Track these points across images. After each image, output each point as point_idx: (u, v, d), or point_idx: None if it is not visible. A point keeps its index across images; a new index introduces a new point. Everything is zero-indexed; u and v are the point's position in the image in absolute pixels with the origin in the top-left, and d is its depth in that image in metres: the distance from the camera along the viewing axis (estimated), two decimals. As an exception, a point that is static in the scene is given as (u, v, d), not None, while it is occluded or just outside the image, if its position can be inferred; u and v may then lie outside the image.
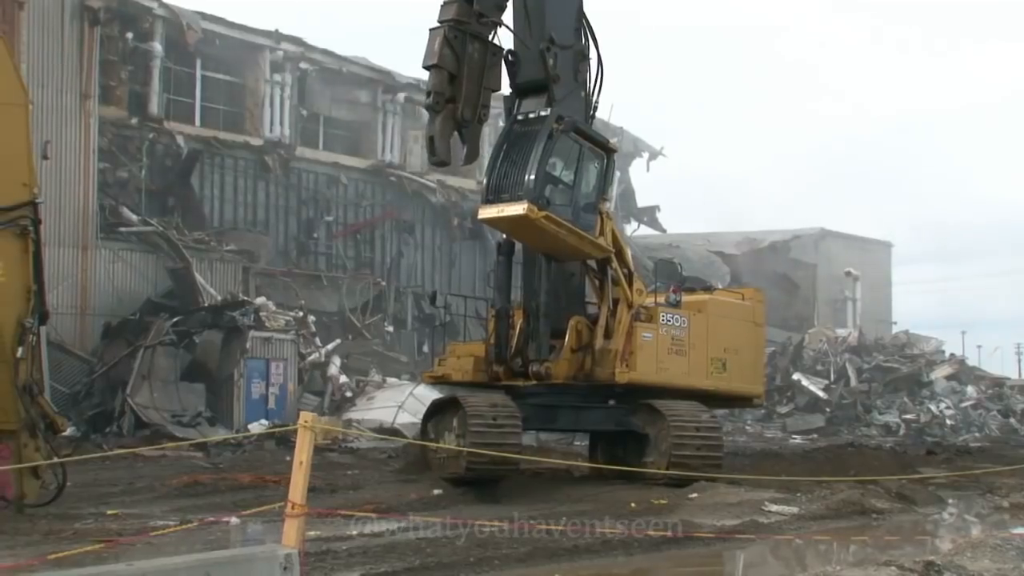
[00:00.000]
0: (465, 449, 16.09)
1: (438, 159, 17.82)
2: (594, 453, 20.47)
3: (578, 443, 25.02)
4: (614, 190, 49.42)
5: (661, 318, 18.79)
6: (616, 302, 18.72)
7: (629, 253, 19.25)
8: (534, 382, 18.33)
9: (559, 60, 18.42)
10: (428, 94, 17.75)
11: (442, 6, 17.86)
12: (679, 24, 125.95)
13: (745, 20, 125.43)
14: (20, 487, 14.27)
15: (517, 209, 17.23)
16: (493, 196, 17.70)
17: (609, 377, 18.33)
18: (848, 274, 56.08)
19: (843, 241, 57.50)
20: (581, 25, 19.00)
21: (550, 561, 12.00)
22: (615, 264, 18.69)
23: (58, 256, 26.58)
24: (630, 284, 18.68)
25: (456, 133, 18.04)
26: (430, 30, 17.79)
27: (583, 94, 18.98)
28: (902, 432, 38.52)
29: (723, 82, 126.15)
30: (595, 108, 19.32)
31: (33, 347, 14.44)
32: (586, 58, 18.90)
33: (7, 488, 14.16)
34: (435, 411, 18.77)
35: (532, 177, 17.23)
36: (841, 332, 49.85)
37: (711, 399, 20.37)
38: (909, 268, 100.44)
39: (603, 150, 18.54)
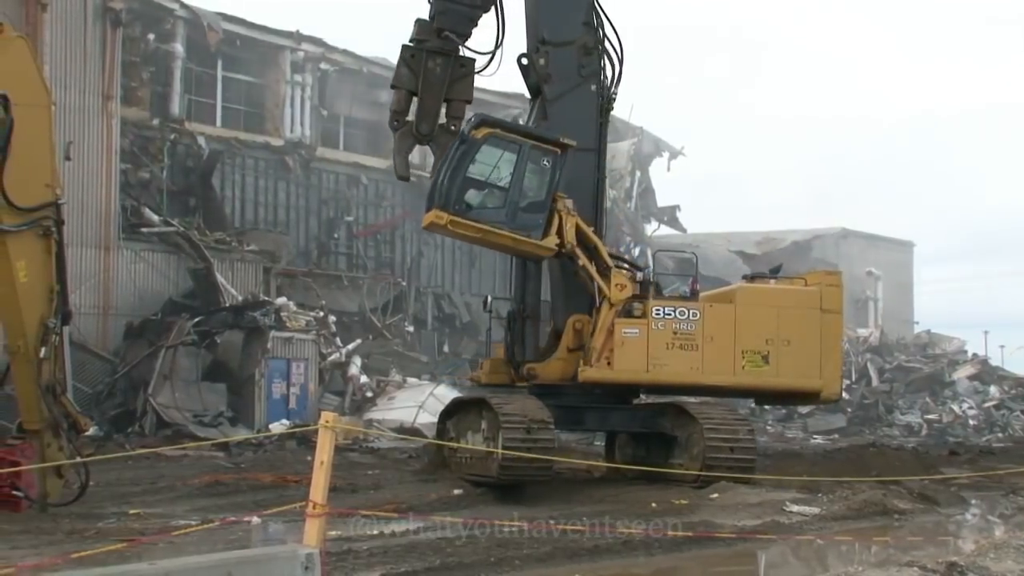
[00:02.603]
0: (498, 451, 16.10)
1: (398, 174, 18.80)
2: (611, 453, 20.39)
3: (598, 443, 24.98)
4: (634, 187, 49.41)
5: (654, 312, 18.00)
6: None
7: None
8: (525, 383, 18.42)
9: (554, 58, 18.56)
10: (390, 114, 18.61)
11: (413, 25, 18.49)
12: (700, 24, 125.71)
13: (767, 19, 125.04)
14: (43, 486, 14.39)
15: (429, 216, 17.72)
16: (428, 202, 18.09)
17: (573, 375, 18.11)
18: (869, 274, 55.82)
19: (864, 241, 57.26)
20: (591, 18, 18.89)
21: (570, 561, 11.99)
22: (583, 261, 18.25)
23: (80, 256, 26.70)
24: (607, 280, 18.22)
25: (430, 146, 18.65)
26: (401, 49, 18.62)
27: (593, 87, 18.86)
28: (924, 432, 38.33)
29: (744, 81, 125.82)
30: (612, 100, 19.18)
31: (56, 347, 14.53)
32: (591, 51, 18.78)
33: (31, 487, 14.26)
34: (455, 410, 18.82)
35: (441, 182, 17.52)
36: (862, 332, 49.67)
37: (752, 396, 20.09)
38: (931, 268, 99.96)
39: (554, 146, 18.15)
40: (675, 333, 18.00)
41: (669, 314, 18.05)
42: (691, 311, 18.13)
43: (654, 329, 17.92)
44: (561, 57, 18.65)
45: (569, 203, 18.21)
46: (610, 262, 18.31)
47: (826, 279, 19.12)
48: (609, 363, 17.84)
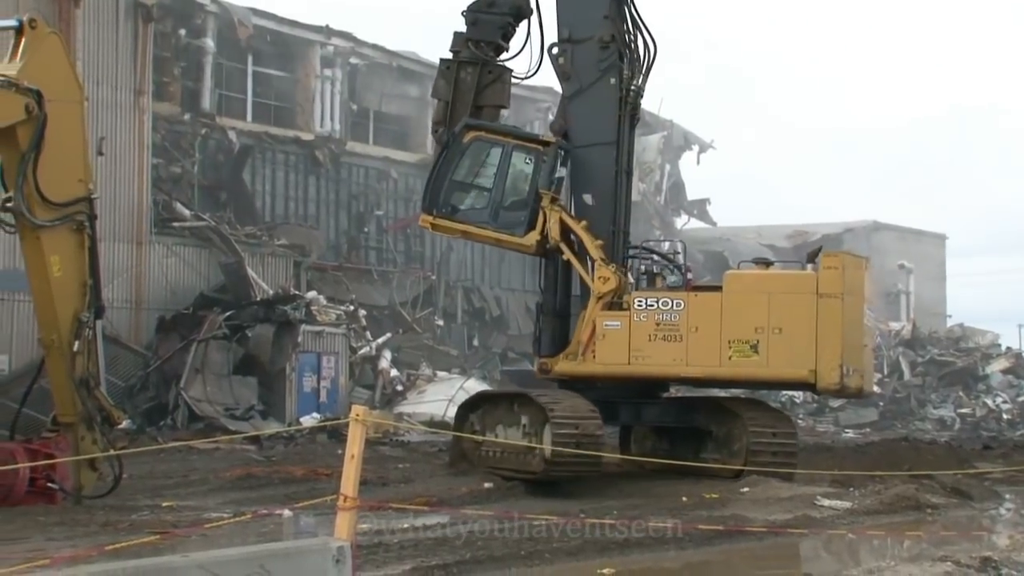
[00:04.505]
0: (545, 447, 16.24)
1: None
2: (626, 445, 20.23)
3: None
4: (664, 180, 49.22)
5: (636, 304, 17.63)
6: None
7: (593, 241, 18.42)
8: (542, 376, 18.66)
9: (574, 55, 18.81)
10: (431, 124, 19.78)
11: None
12: (727, 17, 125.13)
13: (796, 12, 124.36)
14: (78, 479, 14.52)
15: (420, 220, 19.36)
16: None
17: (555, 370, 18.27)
18: (901, 267, 55.41)
19: (896, 234, 56.82)
20: (612, 11, 18.83)
21: (601, 555, 11.98)
22: (567, 256, 18.31)
23: (113, 251, 26.84)
24: (592, 273, 18.10)
25: None
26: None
27: (613, 80, 18.76)
28: (957, 426, 38.08)
29: (774, 73, 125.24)
30: (640, 92, 19.06)
31: (89, 341, 14.67)
32: (608, 44, 18.72)
33: (65, 480, 14.40)
34: (480, 403, 18.91)
35: (428, 186, 18.73)
36: (894, 325, 49.31)
37: (741, 387, 19.94)
38: (964, 260, 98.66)
39: (536, 144, 18.61)
40: (658, 324, 17.53)
41: (652, 305, 17.63)
42: (675, 301, 17.60)
43: (636, 321, 17.60)
44: (581, 53, 18.77)
45: (591, 200, 18.34)
46: (595, 254, 18.09)
47: (824, 261, 17.81)
48: (594, 355, 17.76)
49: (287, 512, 13.70)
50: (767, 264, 18.99)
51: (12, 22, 14.38)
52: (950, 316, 57.64)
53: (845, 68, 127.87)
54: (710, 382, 18.96)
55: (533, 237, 18.26)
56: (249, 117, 35.38)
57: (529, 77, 19.59)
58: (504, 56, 19.42)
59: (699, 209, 53.01)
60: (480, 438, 17.94)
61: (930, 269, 57.92)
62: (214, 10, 33.64)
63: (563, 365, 18.04)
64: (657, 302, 17.63)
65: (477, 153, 18.57)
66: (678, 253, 20.31)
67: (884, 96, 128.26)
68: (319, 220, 36.53)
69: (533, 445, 16.68)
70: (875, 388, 39.98)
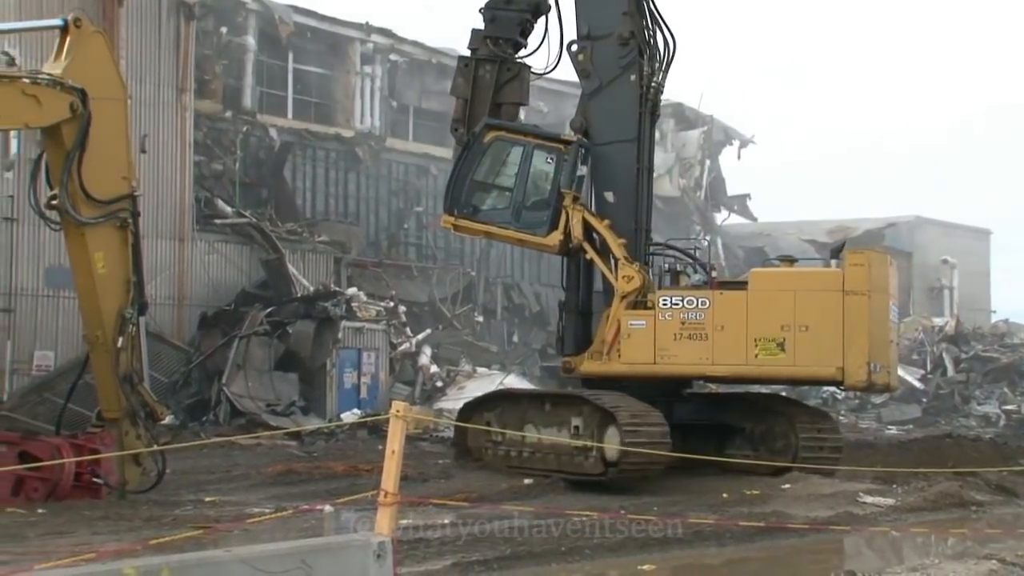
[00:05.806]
0: (608, 447, 16.34)
1: None
2: None
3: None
4: (704, 176, 48.99)
5: (661, 302, 17.50)
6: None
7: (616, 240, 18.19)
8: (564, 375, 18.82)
9: (594, 52, 18.74)
10: (451, 122, 19.65)
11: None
12: (772, 8, 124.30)
13: (836, 8, 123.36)
14: (122, 474, 14.70)
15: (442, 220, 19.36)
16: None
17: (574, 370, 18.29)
18: (945, 262, 54.85)
19: (940, 228, 56.22)
20: (632, 7, 18.71)
21: (641, 551, 11.97)
22: (591, 255, 18.24)
23: (156, 248, 27.04)
24: (616, 272, 18.01)
25: None
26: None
27: (633, 77, 18.66)
28: (1002, 423, 37.66)
29: (817, 67, 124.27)
30: (660, 88, 18.92)
31: (133, 337, 14.84)
32: (627, 41, 18.61)
33: (110, 474, 14.57)
34: (495, 401, 18.92)
35: (450, 186, 18.73)
36: (938, 321, 48.83)
37: (767, 385, 19.83)
38: (1009, 256, 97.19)
39: (557, 144, 18.55)
40: (683, 323, 17.38)
41: (677, 304, 17.49)
42: (700, 300, 17.43)
43: (661, 320, 17.47)
44: (601, 50, 18.72)
45: (613, 198, 18.28)
46: (618, 253, 18.01)
47: (850, 259, 17.47)
48: (620, 354, 17.69)
49: (328, 508, 13.80)
50: (792, 261, 18.73)
51: (57, 21, 14.56)
52: (995, 311, 57.06)
53: (888, 64, 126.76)
54: (737, 380, 18.90)
55: (556, 237, 18.22)
56: (290, 114, 35.56)
57: (548, 74, 19.61)
58: (523, 53, 19.40)
59: (740, 204, 52.69)
60: (521, 434, 17.93)
61: (974, 264, 57.28)
62: (255, 8, 33.83)
63: (588, 365, 18.04)
64: (682, 300, 17.48)
65: (498, 153, 18.57)
66: (700, 248, 20.16)
67: (927, 91, 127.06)
68: (359, 217, 36.64)
69: (590, 445, 16.63)
70: (917, 384, 39.88)
